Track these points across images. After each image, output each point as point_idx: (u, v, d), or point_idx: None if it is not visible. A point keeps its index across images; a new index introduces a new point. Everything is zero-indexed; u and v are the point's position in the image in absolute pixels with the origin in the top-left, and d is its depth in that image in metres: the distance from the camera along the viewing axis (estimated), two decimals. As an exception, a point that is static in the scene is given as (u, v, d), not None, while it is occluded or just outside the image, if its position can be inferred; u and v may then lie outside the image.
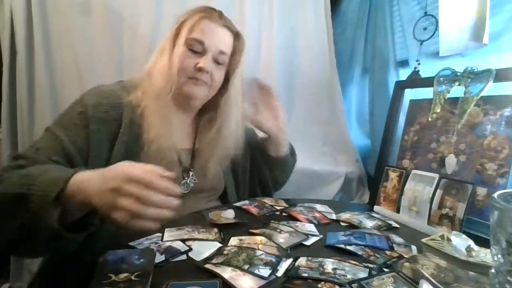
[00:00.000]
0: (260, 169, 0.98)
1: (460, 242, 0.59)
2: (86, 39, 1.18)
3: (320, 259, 0.55)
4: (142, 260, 0.50)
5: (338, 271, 0.51)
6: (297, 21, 1.39)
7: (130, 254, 0.52)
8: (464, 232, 0.66)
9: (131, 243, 0.60)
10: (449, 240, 0.61)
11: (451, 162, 0.85)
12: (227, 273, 0.49)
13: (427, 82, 0.96)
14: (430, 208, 0.78)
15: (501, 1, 0.86)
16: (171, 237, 0.63)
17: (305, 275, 0.50)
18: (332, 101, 1.42)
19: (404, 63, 1.23)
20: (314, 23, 1.40)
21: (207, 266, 0.52)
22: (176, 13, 0.82)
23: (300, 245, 0.64)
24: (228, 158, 0.87)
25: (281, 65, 1.38)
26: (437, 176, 0.80)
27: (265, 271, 0.50)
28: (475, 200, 0.75)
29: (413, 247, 0.64)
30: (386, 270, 0.53)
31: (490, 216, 0.36)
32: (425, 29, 1.06)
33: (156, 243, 0.60)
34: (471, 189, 0.72)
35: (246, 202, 0.89)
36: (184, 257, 0.56)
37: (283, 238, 0.64)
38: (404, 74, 1.19)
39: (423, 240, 0.62)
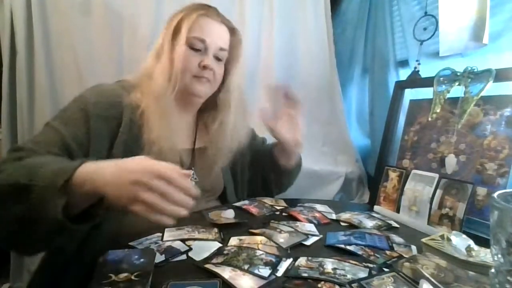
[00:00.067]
0: (265, 174, 0.98)
1: (460, 242, 0.59)
2: (86, 39, 1.18)
3: (320, 259, 0.55)
4: (142, 260, 0.50)
5: (338, 271, 0.51)
6: (297, 21, 1.39)
7: (130, 254, 0.52)
8: (464, 232, 0.66)
9: (131, 243, 0.60)
10: (449, 240, 0.61)
11: (451, 162, 0.85)
12: (227, 273, 0.49)
13: (427, 82, 0.96)
14: (430, 208, 0.78)
15: (501, 1, 0.86)
16: (171, 237, 0.63)
17: (305, 275, 0.50)
18: (332, 101, 1.42)
19: (404, 63, 1.23)
20: (314, 23, 1.40)
21: (207, 266, 0.52)
22: (176, 13, 0.82)
23: (300, 245, 0.64)
24: (231, 154, 0.87)
25: (281, 65, 1.38)
26: (437, 176, 0.80)
27: (265, 271, 0.50)
28: (475, 200, 0.75)
29: (413, 247, 0.64)
30: (386, 270, 0.53)
31: (490, 216, 0.36)
32: (425, 29, 1.06)
33: (156, 243, 0.60)
34: (471, 189, 0.72)
35: (246, 202, 0.89)
36: (184, 257, 0.56)
37: (283, 238, 0.64)
38: (404, 74, 1.19)
39: (423, 240, 0.62)
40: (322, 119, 1.42)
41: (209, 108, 0.87)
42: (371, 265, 0.54)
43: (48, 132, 0.66)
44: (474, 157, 0.80)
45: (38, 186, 0.48)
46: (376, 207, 0.93)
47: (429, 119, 0.92)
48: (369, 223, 0.78)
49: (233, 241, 0.63)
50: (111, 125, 0.70)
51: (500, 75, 0.77)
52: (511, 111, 0.76)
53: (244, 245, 0.60)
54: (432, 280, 0.46)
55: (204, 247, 0.59)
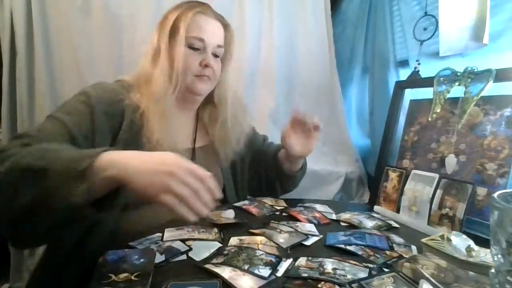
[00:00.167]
0: (268, 176, 0.98)
1: (460, 242, 0.59)
2: (86, 39, 1.18)
3: (320, 259, 0.55)
4: (142, 260, 0.50)
5: (338, 271, 0.51)
6: (297, 21, 1.39)
7: (130, 254, 0.52)
8: (464, 232, 0.66)
9: (131, 243, 0.60)
10: (449, 240, 0.61)
11: (451, 162, 0.85)
12: (227, 273, 0.49)
13: (427, 82, 0.96)
14: (430, 208, 0.78)
15: (501, 1, 0.86)
16: (171, 237, 0.63)
17: (305, 275, 0.50)
18: (332, 101, 1.42)
19: (404, 63, 1.23)
20: (314, 23, 1.40)
21: (207, 266, 0.52)
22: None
23: (300, 245, 0.64)
24: (234, 151, 0.88)
25: (281, 65, 1.38)
26: (437, 176, 0.80)
27: (265, 271, 0.50)
28: (475, 200, 0.75)
29: (413, 247, 0.64)
30: (386, 270, 0.53)
31: (490, 216, 0.36)
32: (425, 29, 1.06)
33: (156, 243, 0.60)
34: (471, 189, 0.72)
35: (246, 202, 0.89)
36: (184, 257, 0.56)
37: (283, 238, 0.64)
38: (404, 74, 1.19)
39: (423, 240, 0.62)
40: (322, 119, 1.39)
41: (206, 106, 0.88)
42: (371, 265, 0.54)
43: (52, 122, 0.64)
44: (474, 157, 0.80)
45: (55, 171, 0.47)
46: (376, 207, 0.93)
47: (429, 119, 0.92)
48: (369, 223, 0.78)
49: (233, 241, 0.63)
50: (113, 122, 0.70)
51: (500, 75, 0.77)
52: (511, 111, 0.76)
53: (244, 245, 0.60)
54: (432, 280, 0.46)
55: (204, 247, 0.59)
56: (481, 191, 0.76)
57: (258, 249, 0.58)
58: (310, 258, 0.56)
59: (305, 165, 1.00)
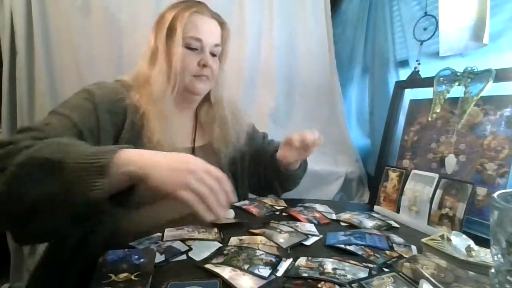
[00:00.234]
0: (267, 176, 0.98)
1: (460, 242, 0.59)
2: (86, 39, 1.18)
3: (320, 259, 0.55)
4: (142, 260, 0.50)
5: (338, 271, 0.51)
6: (297, 21, 1.39)
7: (130, 254, 0.52)
8: (464, 232, 0.66)
9: (131, 243, 0.60)
10: (449, 240, 0.61)
11: (451, 162, 0.85)
12: (227, 273, 0.49)
13: (427, 82, 0.96)
14: (430, 208, 0.78)
15: (501, 1, 0.86)
16: (171, 237, 0.63)
17: (305, 275, 0.50)
18: (332, 101, 1.42)
19: (404, 63, 1.23)
20: (314, 23, 1.40)
21: (207, 266, 0.52)
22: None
23: (300, 245, 0.64)
24: (234, 149, 0.88)
25: (281, 65, 1.38)
26: (437, 176, 0.80)
27: (265, 271, 0.50)
28: (475, 200, 0.75)
29: (413, 247, 0.64)
30: (386, 270, 0.53)
31: (490, 216, 0.36)
32: (425, 29, 1.06)
33: (156, 243, 0.60)
34: (471, 189, 0.72)
35: (246, 202, 0.89)
36: (184, 257, 0.56)
37: (283, 238, 0.64)
38: (404, 74, 1.19)
39: (423, 240, 0.62)
40: (322, 119, 1.42)
41: (203, 105, 0.88)
42: (371, 265, 0.54)
43: (57, 118, 0.62)
44: (474, 157, 0.80)
45: (75, 164, 0.46)
46: (376, 207, 0.93)
47: (429, 119, 0.92)
48: (369, 223, 0.78)
49: (233, 241, 0.63)
50: (116, 121, 0.69)
51: (500, 75, 0.77)
52: (511, 111, 0.76)
53: (244, 245, 0.60)
54: (432, 280, 0.46)
55: (204, 247, 0.59)
56: (481, 191, 0.76)
57: (258, 249, 0.58)
58: (310, 258, 0.56)
59: (305, 164, 0.99)
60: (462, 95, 0.84)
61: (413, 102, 1.04)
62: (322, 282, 0.48)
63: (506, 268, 0.35)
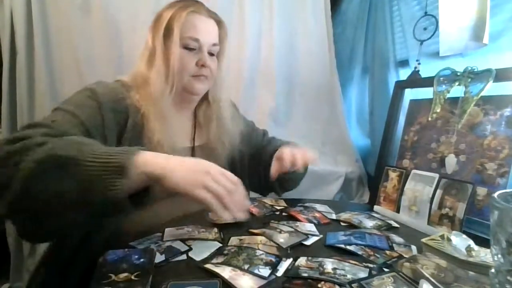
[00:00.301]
0: (267, 176, 0.98)
1: (460, 242, 0.59)
2: (86, 39, 1.18)
3: (320, 259, 0.55)
4: (142, 260, 0.50)
5: (338, 271, 0.51)
6: (297, 21, 1.39)
7: (130, 254, 0.52)
8: (464, 232, 0.66)
9: (131, 243, 0.60)
10: (449, 240, 0.61)
11: (451, 162, 0.85)
12: (227, 273, 0.49)
13: (427, 82, 0.96)
14: (430, 208, 0.78)
15: (501, 1, 0.86)
16: (171, 237, 0.63)
17: (305, 275, 0.50)
18: (332, 101, 1.42)
19: (404, 63, 1.23)
20: (314, 23, 1.40)
21: (207, 266, 0.52)
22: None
23: (300, 245, 0.64)
24: (232, 148, 0.88)
25: (281, 65, 1.38)
26: (437, 176, 0.80)
27: (265, 271, 0.50)
28: (475, 200, 0.75)
29: (413, 247, 0.64)
30: (386, 270, 0.53)
31: (490, 216, 0.36)
32: (425, 29, 1.06)
33: (156, 243, 0.60)
34: (471, 189, 0.72)
35: (246, 202, 0.89)
36: (184, 257, 0.56)
37: (283, 238, 0.64)
38: (404, 74, 1.19)
39: (423, 240, 0.62)
40: (322, 119, 1.42)
41: (201, 104, 0.88)
42: (371, 265, 0.54)
43: (62, 115, 0.61)
44: (474, 157, 0.80)
45: (95, 164, 0.47)
46: (376, 207, 0.93)
47: (429, 119, 0.92)
48: (369, 223, 0.78)
49: (233, 241, 0.63)
50: (119, 120, 0.69)
51: (500, 75, 0.77)
52: (511, 111, 0.76)
53: (244, 245, 0.60)
54: (432, 280, 0.46)
55: (204, 247, 0.59)
56: (481, 191, 0.76)
57: (258, 249, 0.58)
58: (310, 258, 0.56)
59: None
60: (462, 95, 0.84)
61: (413, 102, 1.04)
62: (322, 282, 0.48)
63: (506, 268, 0.35)
